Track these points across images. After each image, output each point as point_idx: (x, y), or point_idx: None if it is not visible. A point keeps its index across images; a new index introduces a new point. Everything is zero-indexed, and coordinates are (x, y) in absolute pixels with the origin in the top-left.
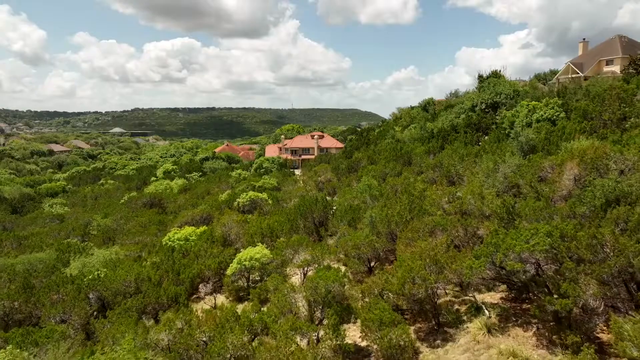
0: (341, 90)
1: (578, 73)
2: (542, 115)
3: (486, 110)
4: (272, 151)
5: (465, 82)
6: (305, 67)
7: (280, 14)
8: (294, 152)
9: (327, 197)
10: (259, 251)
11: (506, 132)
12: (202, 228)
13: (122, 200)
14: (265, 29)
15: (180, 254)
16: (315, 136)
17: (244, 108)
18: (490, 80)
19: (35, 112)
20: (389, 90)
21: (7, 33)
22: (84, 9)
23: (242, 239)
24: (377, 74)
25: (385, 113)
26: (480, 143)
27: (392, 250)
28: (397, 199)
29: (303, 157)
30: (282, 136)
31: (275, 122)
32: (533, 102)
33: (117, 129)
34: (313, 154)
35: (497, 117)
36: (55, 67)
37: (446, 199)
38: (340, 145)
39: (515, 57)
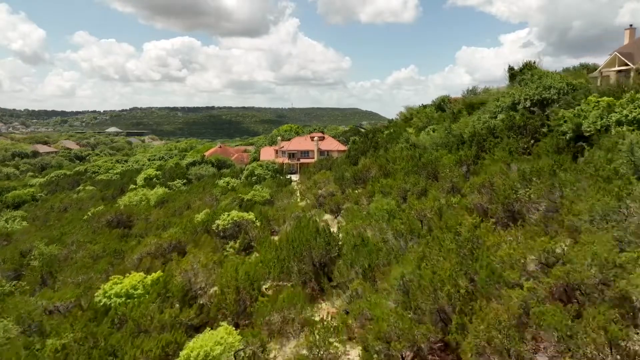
0: (341, 89)
1: (628, 65)
2: (626, 116)
3: (531, 109)
4: (267, 154)
5: (465, 81)
6: (305, 66)
7: (280, 12)
8: (291, 155)
9: (330, 217)
10: (220, 340)
11: (566, 137)
12: (155, 275)
13: (86, 216)
14: (265, 27)
15: (114, 323)
16: (315, 138)
17: (244, 107)
18: (534, 71)
19: (34, 111)
20: (389, 90)
21: (7, 32)
22: (83, 8)
23: (212, 289)
24: (377, 73)
25: (386, 112)
26: (531, 153)
27: (442, 340)
28: (438, 243)
29: (302, 160)
30: (279, 137)
31: (275, 121)
32: (606, 98)
33: (112, 129)
34: (312, 158)
35: (550, 118)
36: (55, 66)
37: (534, 256)
38: (343, 147)
39: (516, 56)
